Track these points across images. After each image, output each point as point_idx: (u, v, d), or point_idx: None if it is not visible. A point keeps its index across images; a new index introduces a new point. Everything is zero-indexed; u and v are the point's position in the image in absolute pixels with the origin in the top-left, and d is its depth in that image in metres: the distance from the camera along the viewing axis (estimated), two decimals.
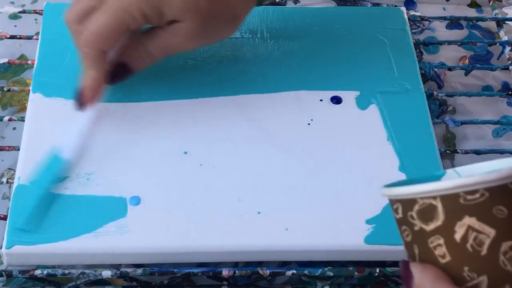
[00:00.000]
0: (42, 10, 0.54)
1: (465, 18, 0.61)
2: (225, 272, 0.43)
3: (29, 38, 0.54)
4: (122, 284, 0.45)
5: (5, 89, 0.52)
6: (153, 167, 0.45)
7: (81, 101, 0.45)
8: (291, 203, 0.44)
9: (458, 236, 0.26)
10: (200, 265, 0.44)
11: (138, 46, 0.44)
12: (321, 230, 0.43)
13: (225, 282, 0.45)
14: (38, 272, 0.42)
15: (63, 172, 0.44)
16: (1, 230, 0.43)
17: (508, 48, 0.57)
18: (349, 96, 0.50)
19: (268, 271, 0.43)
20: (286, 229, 0.43)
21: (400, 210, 0.28)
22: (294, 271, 0.43)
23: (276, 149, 0.46)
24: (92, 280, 0.43)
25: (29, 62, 0.53)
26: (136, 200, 0.43)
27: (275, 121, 0.48)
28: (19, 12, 0.57)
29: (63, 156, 0.44)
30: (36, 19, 0.59)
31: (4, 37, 0.54)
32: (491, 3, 0.62)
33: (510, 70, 0.57)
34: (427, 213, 0.27)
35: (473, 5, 0.66)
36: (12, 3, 0.61)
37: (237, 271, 0.43)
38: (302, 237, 0.43)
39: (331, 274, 0.43)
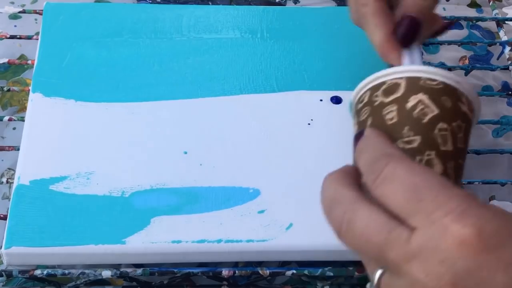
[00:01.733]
0: (42, 10, 0.54)
1: (465, 18, 0.61)
2: (225, 272, 0.43)
3: (29, 38, 0.54)
4: (122, 284, 0.45)
5: (5, 89, 0.52)
6: (153, 167, 0.45)
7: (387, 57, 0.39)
8: (291, 203, 0.44)
9: (409, 105, 0.31)
10: (200, 265, 0.44)
11: None
12: (322, 230, 0.43)
13: (225, 282, 0.45)
14: (38, 272, 0.42)
15: None
16: (1, 230, 0.43)
17: (508, 48, 0.57)
18: (349, 96, 0.49)
19: (268, 271, 0.43)
20: (286, 229, 0.43)
21: (366, 97, 0.33)
22: (294, 271, 0.43)
23: (276, 149, 0.46)
24: (92, 280, 0.43)
25: (29, 62, 0.53)
26: (137, 200, 0.43)
27: (275, 121, 0.48)
28: (19, 12, 0.57)
29: None
30: (36, 19, 0.59)
31: (4, 37, 0.54)
32: (491, 3, 0.62)
33: (510, 70, 0.57)
34: (391, 89, 0.32)
35: (473, 5, 0.66)
36: (12, 3, 0.61)
37: (237, 271, 0.43)
38: (302, 237, 0.43)
39: (331, 274, 0.43)
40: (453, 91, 0.32)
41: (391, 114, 0.32)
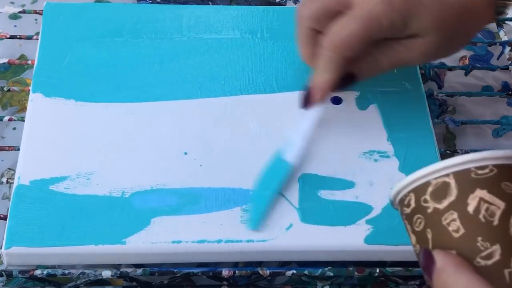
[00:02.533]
0: (42, 10, 0.54)
1: None
2: (225, 272, 0.43)
3: (29, 38, 0.54)
4: (122, 284, 0.45)
5: (5, 89, 0.52)
6: (153, 167, 0.45)
7: (309, 101, 0.45)
8: (291, 203, 0.44)
9: (471, 208, 0.28)
10: (200, 265, 0.44)
11: (368, 57, 0.43)
12: (321, 230, 0.43)
13: (225, 282, 0.45)
14: (38, 272, 0.42)
15: (288, 175, 0.44)
16: (1, 230, 0.43)
17: (508, 48, 0.57)
18: (349, 96, 0.50)
19: (268, 271, 0.43)
20: (286, 229, 0.43)
21: (412, 201, 0.30)
22: (294, 271, 0.43)
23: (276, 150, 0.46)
24: (92, 280, 0.43)
25: (29, 62, 0.53)
26: (137, 200, 0.43)
27: (275, 121, 0.48)
28: (19, 12, 0.57)
29: (287, 159, 0.45)
30: (36, 19, 0.59)
31: (4, 37, 0.54)
32: None
33: (510, 70, 0.57)
34: (441, 191, 0.28)
35: None
36: (12, 3, 0.61)
37: (237, 271, 0.43)
38: (302, 237, 0.43)
39: (331, 274, 0.43)
40: (510, 170, 0.28)
41: (454, 225, 0.28)
